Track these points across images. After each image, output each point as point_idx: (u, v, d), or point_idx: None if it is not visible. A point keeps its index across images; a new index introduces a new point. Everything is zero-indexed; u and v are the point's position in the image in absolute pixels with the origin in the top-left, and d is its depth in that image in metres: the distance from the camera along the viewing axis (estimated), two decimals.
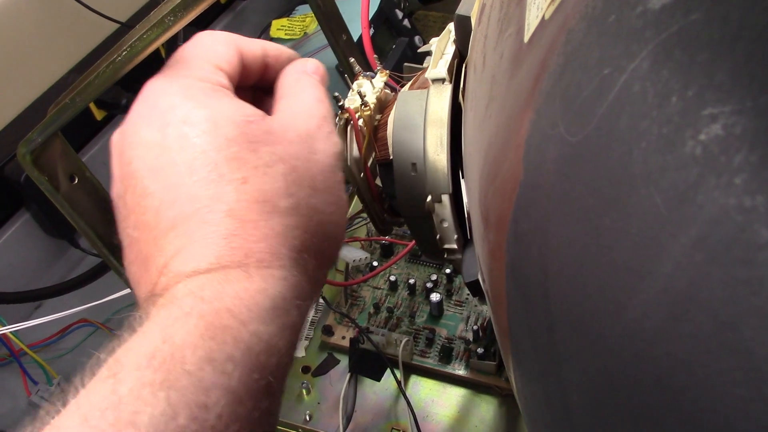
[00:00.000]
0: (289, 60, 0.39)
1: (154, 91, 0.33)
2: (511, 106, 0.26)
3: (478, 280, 0.39)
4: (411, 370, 0.64)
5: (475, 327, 0.63)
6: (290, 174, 0.32)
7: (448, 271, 0.68)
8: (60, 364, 0.73)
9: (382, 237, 0.70)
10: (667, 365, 0.14)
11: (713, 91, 0.14)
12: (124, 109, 0.83)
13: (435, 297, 0.64)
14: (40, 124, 0.45)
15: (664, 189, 0.14)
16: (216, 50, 0.35)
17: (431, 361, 0.63)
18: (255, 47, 0.37)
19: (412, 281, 0.67)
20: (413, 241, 0.64)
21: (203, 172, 0.31)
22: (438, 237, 0.43)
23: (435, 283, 0.68)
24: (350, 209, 0.77)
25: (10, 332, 0.67)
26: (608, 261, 0.16)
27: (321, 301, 0.68)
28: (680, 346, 0.14)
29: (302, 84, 0.37)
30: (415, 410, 0.59)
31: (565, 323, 0.19)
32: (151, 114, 0.32)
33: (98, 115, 0.84)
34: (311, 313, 0.69)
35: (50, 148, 0.46)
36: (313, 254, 0.32)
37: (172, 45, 0.72)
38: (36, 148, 0.45)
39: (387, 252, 0.71)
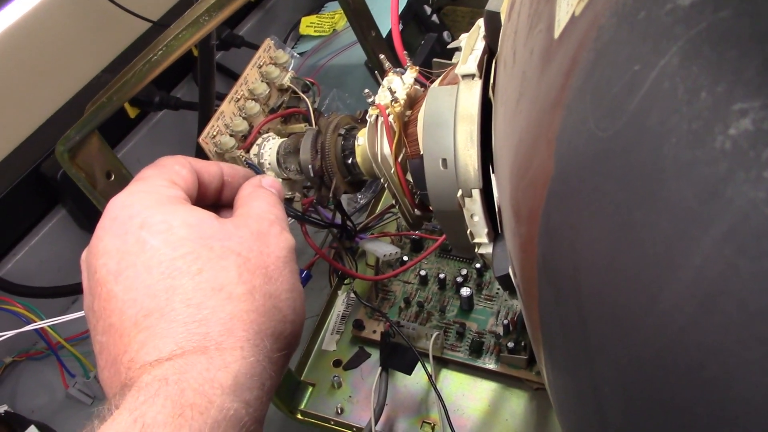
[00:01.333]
0: (245, 177, 0.43)
1: (115, 206, 0.36)
2: (541, 102, 0.26)
3: (508, 275, 0.39)
4: (442, 363, 0.64)
5: (505, 321, 0.63)
6: (243, 264, 0.34)
7: (478, 265, 0.69)
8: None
9: (412, 232, 0.70)
10: (698, 356, 0.14)
11: (742, 87, 0.14)
12: (158, 107, 0.85)
13: (465, 291, 0.65)
14: (77, 122, 0.46)
15: (694, 183, 0.15)
16: (173, 169, 0.38)
17: (462, 355, 0.64)
18: (212, 168, 0.41)
19: (442, 276, 0.68)
20: (443, 236, 0.65)
21: (161, 269, 0.33)
22: (468, 231, 0.44)
23: (465, 277, 0.68)
24: (380, 204, 0.77)
25: (48, 326, 0.69)
26: (639, 254, 0.16)
27: (352, 295, 0.68)
28: (711, 336, 0.14)
29: (256, 194, 0.40)
30: (446, 403, 0.60)
31: (596, 316, 0.19)
32: (113, 225, 0.35)
33: (132, 112, 0.85)
34: (341, 308, 0.70)
35: (87, 145, 0.47)
36: (270, 336, 0.34)
37: (206, 44, 0.73)
38: (74, 145, 0.46)
39: (417, 247, 0.71)
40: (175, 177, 0.37)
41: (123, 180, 0.49)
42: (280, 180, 0.43)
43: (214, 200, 0.40)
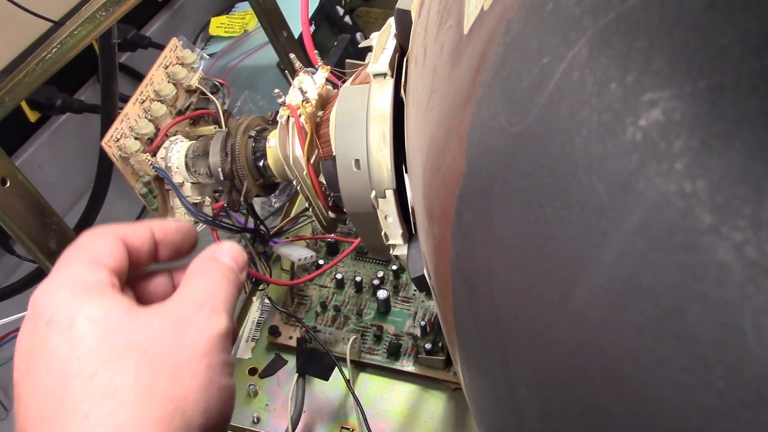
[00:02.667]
0: (177, 231, 0.38)
1: (33, 300, 0.33)
2: (452, 99, 0.26)
3: (423, 276, 0.39)
4: (360, 367, 0.64)
5: (422, 323, 0.63)
6: (146, 363, 0.31)
7: (395, 267, 0.68)
8: None
9: (327, 235, 0.69)
10: (612, 354, 0.14)
11: (652, 77, 0.14)
12: (60, 110, 0.81)
13: (382, 294, 0.64)
14: None
15: (605, 176, 0.14)
16: (96, 246, 0.35)
17: (379, 358, 0.63)
18: (140, 230, 0.37)
19: (358, 279, 0.67)
20: (359, 239, 0.64)
21: (57, 371, 0.31)
22: (383, 233, 0.43)
23: (382, 280, 0.67)
24: (295, 207, 0.76)
25: None
26: (551, 251, 0.16)
27: (267, 301, 0.67)
28: (625, 334, 0.14)
29: (202, 269, 0.36)
30: (364, 408, 0.59)
31: (510, 315, 0.19)
32: (27, 323, 0.33)
33: (32, 116, 0.81)
34: (256, 315, 0.68)
35: None
36: None
37: (106, 42, 0.70)
38: None
39: (333, 250, 0.70)
40: (99, 255, 0.34)
41: (19, 186, 0.47)
42: (237, 246, 0.38)
43: (150, 262, 0.37)
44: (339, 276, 0.68)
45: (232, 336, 0.35)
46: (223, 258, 0.37)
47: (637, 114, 0.14)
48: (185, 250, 0.39)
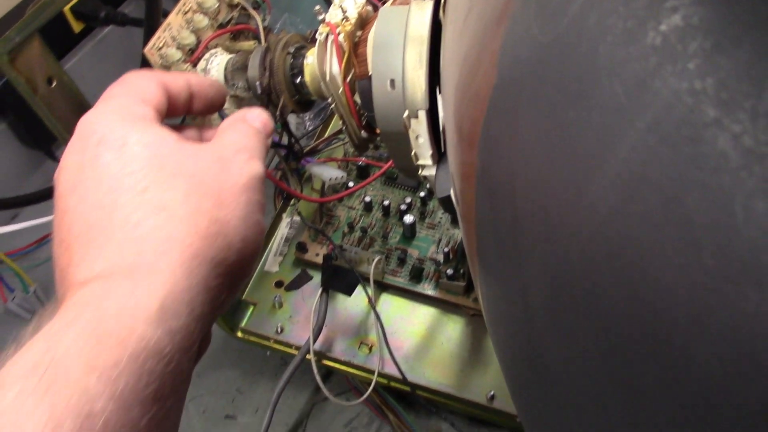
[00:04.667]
0: (213, 87, 0.41)
1: (82, 123, 0.35)
2: (488, 15, 0.27)
3: (450, 196, 0.40)
4: (382, 288, 0.66)
5: (446, 249, 0.64)
6: (195, 186, 0.33)
7: (422, 194, 0.69)
8: (36, 272, 0.74)
9: (358, 158, 0.71)
10: (618, 243, 0.15)
11: None
12: (103, 22, 0.82)
13: (408, 218, 0.66)
14: (18, 23, 0.45)
15: (624, 79, 0.15)
16: (140, 85, 0.37)
17: (402, 280, 0.65)
18: (178, 79, 0.39)
19: (386, 203, 0.68)
20: (389, 163, 0.65)
21: (108, 184, 0.32)
22: (413, 153, 0.44)
23: (409, 205, 0.69)
24: (329, 129, 0.77)
25: None
26: (571, 151, 0.17)
27: (297, 218, 0.69)
28: (630, 224, 0.15)
29: (234, 126, 0.39)
30: (384, 326, 0.61)
31: (528, 216, 0.20)
32: (75, 142, 0.35)
33: (76, 27, 0.82)
34: (285, 230, 0.70)
35: (28, 48, 0.46)
36: (209, 261, 0.32)
37: None
38: (14, 47, 0.44)
39: (363, 173, 0.72)
40: (143, 93, 0.36)
41: (65, 87, 0.48)
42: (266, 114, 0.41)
43: (185, 112, 0.40)
44: (368, 199, 0.69)
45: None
46: (252, 120, 0.40)
47: (658, 19, 0.15)
48: (216, 106, 0.41)
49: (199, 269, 0.31)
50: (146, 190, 0.32)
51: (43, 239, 0.74)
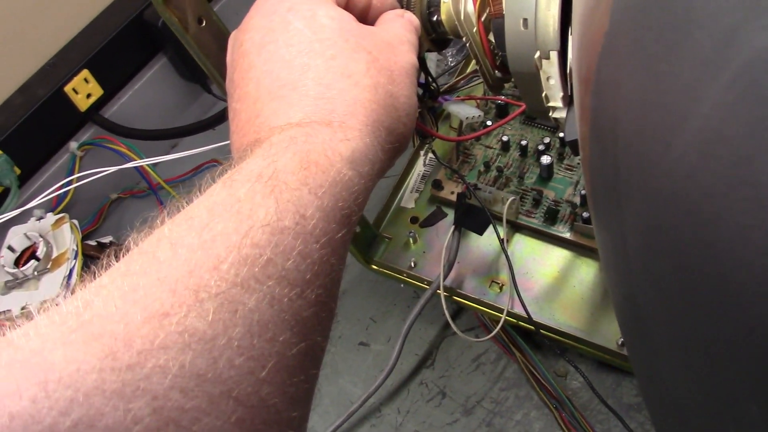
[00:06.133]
0: (392, 5, 0.46)
1: None
2: None
3: (577, 140, 0.39)
4: (516, 228, 0.66)
5: (583, 191, 0.63)
6: (373, 62, 0.38)
7: (561, 134, 0.68)
8: None
9: (497, 97, 0.70)
10: (696, 199, 0.15)
11: None
12: None
13: (546, 159, 0.65)
14: None
15: (712, 32, 0.15)
16: None
17: (536, 222, 0.65)
18: None
19: (524, 143, 0.68)
20: None
21: (299, 47, 0.37)
22: (544, 95, 0.43)
23: (547, 146, 0.68)
24: (470, 67, 0.77)
25: (148, 166, 0.74)
26: (662, 104, 0.17)
27: (432, 156, 0.69)
28: (707, 182, 0.15)
29: (395, 20, 0.44)
30: (516, 267, 0.61)
31: (626, 166, 0.20)
32: (263, 6, 0.39)
33: None
34: (422, 168, 0.71)
35: None
36: (385, 128, 0.37)
37: None
38: None
39: (502, 112, 0.71)
40: None
41: (213, 26, 0.51)
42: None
43: (359, 19, 0.43)
44: (505, 138, 0.69)
45: None
46: (411, 19, 0.46)
47: None
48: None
49: (378, 132, 0.37)
50: (335, 57, 0.37)
51: (199, 168, 0.80)
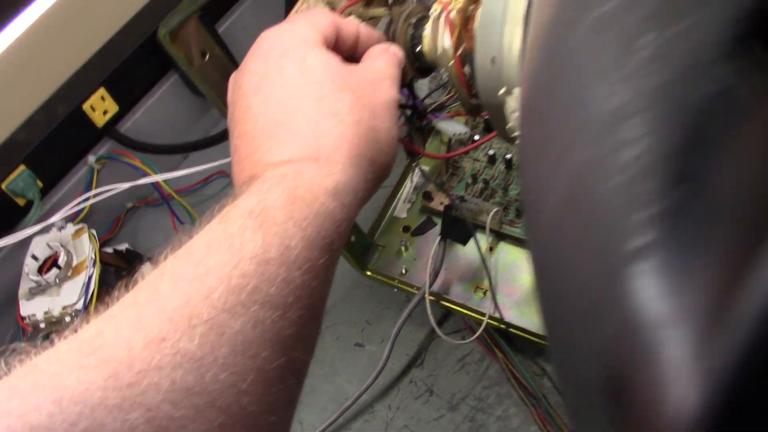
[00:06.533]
0: (379, 40, 0.50)
1: (264, 37, 0.45)
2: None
3: None
4: (500, 237, 0.70)
5: None
6: (357, 100, 0.42)
7: None
8: (202, 207, 0.85)
9: (485, 113, 0.75)
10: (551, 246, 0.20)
11: None
12: None
13: None
14: (177, 7, 0.53)
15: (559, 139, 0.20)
16: (318, 19, 0.46)
17: (519, 231, 0.69)
18: (350, 26, 0.48)
19: (509, 156, 0.72)
20: None
21: (291, 90, 0.41)
22: (509, 126, 0.48)
23: None
24: None
25: (162, 180, 0.79)
26: (545, 160, 0.22)
27: (425, 168, 0.74)
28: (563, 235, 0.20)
29: (380, 56, 0.48)
30: (500, 273, 0.66)
31: (525, 193, 0.25)
32: (258, 51, 0.44)
33: None
34: (414, 179, 0.76)
35: (186, 28, 0.54)
36: (367, 159, 0.41)
37: None
38: (174, 29, 0.53)
39: (489, 127, 0.76)
40: (319, 25, 0.45)
41: (216, 59, 0.56)
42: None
43: (347, 55, 0.47)
44: (491, 152, 0.73)
45: None
46: (395, 53, 0.49)
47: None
48: None
49: (361, 164, 0.41)
50: (323, 98, 0.41)
51: (208, 179, 0.85)
